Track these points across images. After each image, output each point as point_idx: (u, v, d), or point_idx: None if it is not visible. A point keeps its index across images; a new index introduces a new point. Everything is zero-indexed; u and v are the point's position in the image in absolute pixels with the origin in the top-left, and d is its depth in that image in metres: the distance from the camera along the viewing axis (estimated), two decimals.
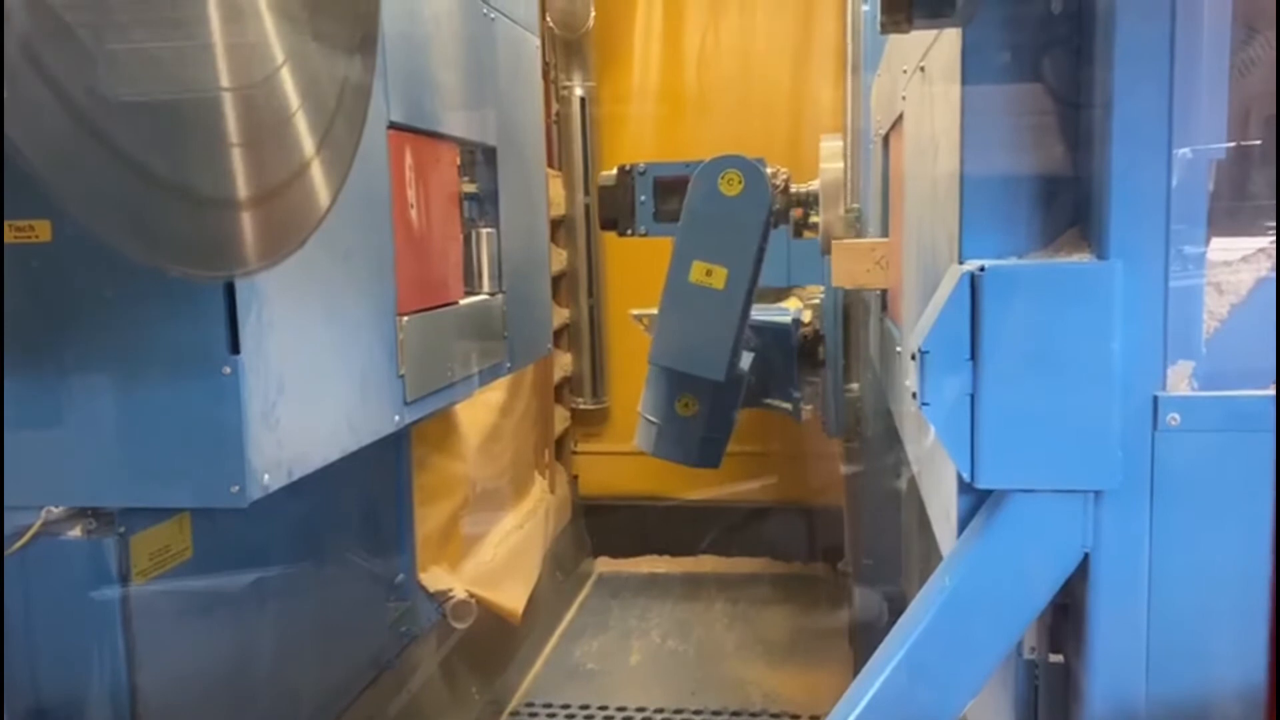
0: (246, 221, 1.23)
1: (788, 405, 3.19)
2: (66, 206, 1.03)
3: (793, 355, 3.14)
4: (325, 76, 1.37)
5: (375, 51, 1.53)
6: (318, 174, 1.34)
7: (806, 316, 3.31)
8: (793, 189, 2.56)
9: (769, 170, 2.43)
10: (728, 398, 2.48)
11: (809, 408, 3.27)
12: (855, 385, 3.33)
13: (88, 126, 1.02)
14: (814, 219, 2.55)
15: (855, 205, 2.58)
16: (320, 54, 1.35)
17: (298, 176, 1.31)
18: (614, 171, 2.64)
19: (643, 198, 2.61)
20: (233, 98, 1.18)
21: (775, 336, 3.10)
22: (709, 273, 2.31)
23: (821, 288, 3.53)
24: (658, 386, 2.49)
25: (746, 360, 2.58)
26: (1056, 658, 1.19)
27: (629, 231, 2.64)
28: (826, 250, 2.46)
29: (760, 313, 3.02)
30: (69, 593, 1.54)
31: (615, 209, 2.63)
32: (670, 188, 2.57)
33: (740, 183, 2.33)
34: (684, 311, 2.34)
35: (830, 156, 2.53)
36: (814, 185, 2.54)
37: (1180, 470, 1.08)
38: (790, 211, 2.57)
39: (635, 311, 3.27)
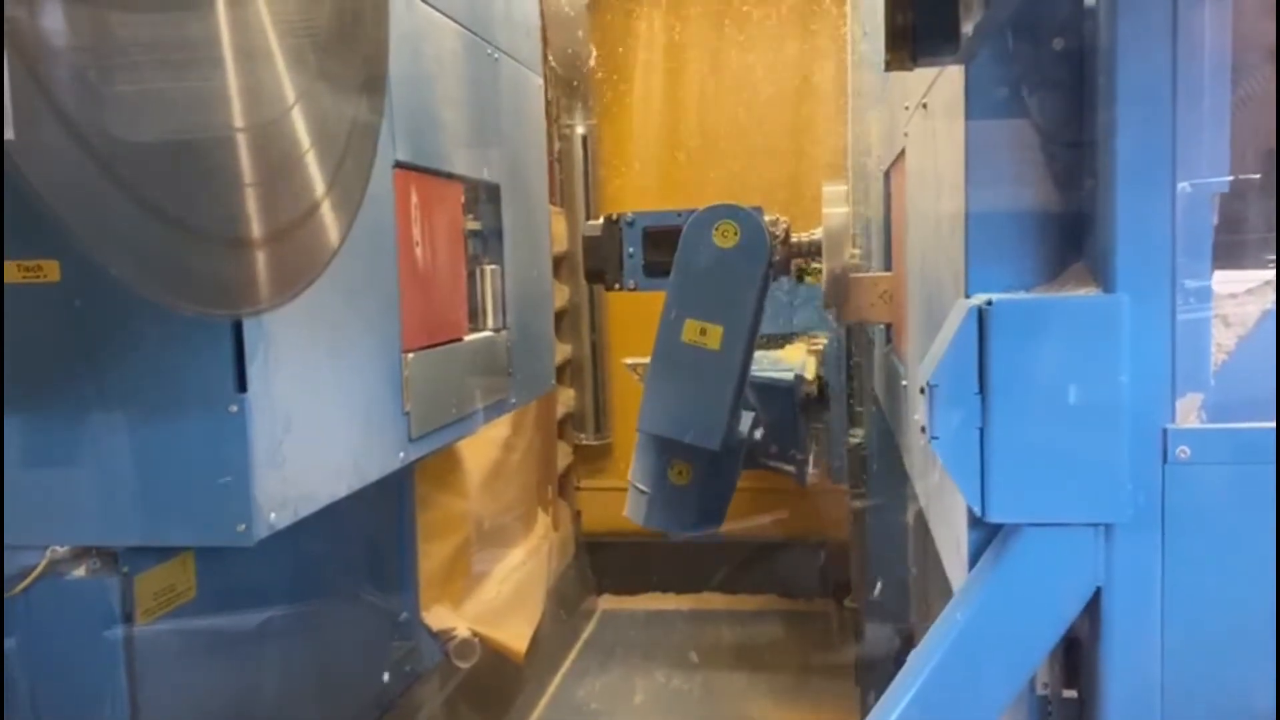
0: (259, 260, 1.24)
1: (791, 468, 3.06)
2: (84, 246, 1.04)
3: (796, 415, 2.99)
4: (334, 117, 1.38)
5: (383, 92, 1.55)
6: (328, 213, 1.35)
7: (810, 371, 3.18)
8: (793, 238, 2.40)
9: (767, 218, 2.27)
10: (725, 464, 2.30)
11: (815, 471, 3.15)
12: (859, 431, 3.27)
13: (105, 168, 1.03)
14: (815, 266, 2.38)
15: (856, 252, 2.49)
16: (329, 94, 1.37)
17: (309, 215, 1.32)
18: (599, 221, 2.49)
19: (631, 250, 2.43)
20: (246, 138, 1.19)
21: (777, 395, 2.96)
22: (703, 332, 2.15)
23: (825, 334, 3.48)
24: (648, 453, 2.29)
25: (746, 420, 2.41)
26: (1070, 693, 1.18)
27: (616, 286, 2.46)
28: (830, 303, 2.34)
29: (760, 368, 2.88)
30: (73, 633, 1.53)
31: (601, 261, 2.45)
32: (661, 239, 2.38)
33: (736, 234, 2.17)
34: (676, 374, 2.17)
35: (833, 202, 2.34)
36: (816, 234, 2.38)
37: (1191, 503, 1.08)
38: (791, 262, 2.41)
39: (629, 360, 3.18)
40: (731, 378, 2.16)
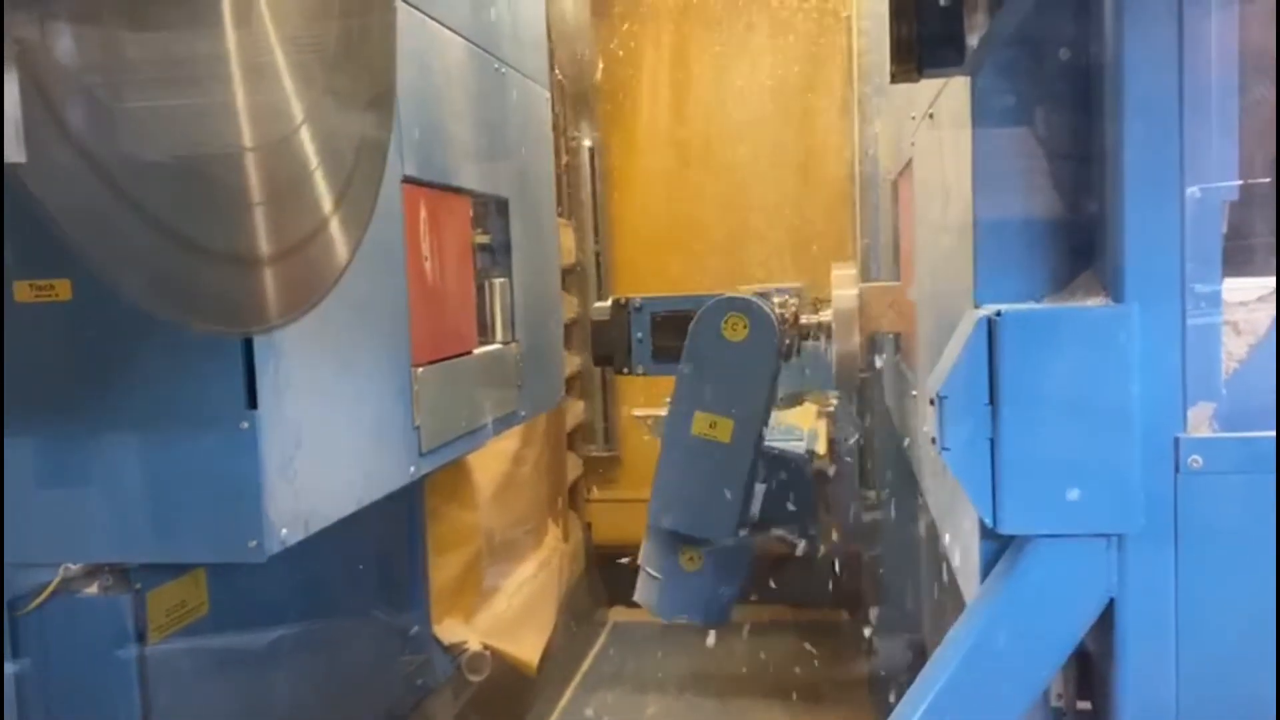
0: (269, 278, 1.24)
1: (801, 541, 3.04)
2: (94, 267, 1.04)
3: (807, 489, 2.87)
4: (342, 134, 1.39)
5: (391, 108, 1.55)
6: (337, 230, 1.36)
7: (821, 443, 3.10)
8: (803, 319, 2.37)
9: (775, 300, 2.27)
10: (737, 546, 2.32)
11: (824, 549, 3.11)
12: (872, 493, 3.23)
13: (114, 188, 1.04)
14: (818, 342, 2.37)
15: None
16: (337, 112, 1.37)
17: (317, 233, 1.33)
18: (608, 304, 2.49)
19: (639, 335, 2.43)
20: (254, 157, 1.20)
21: (788, 467, 2.93)
22: (713, 425, 2.16)
23: (835, 395, 3.42)
24: (659, 540, 2.31)
25: (758, 494, 2.38)
26: (1084, 705, 1.17)
27: (625, 370, 2.47)
28: (839, 385, 2.32)
29: (771, 438, 2.75)
30: (86, 651, 1.53)
31: (609, 346, 2.46)
32: (668, 324, 2.40)
33: (745, 327, 2.18)
34: (686, 468, 2.17)
35: (842, 284, 2.30)
36: (825, 315, 2.34)
37: (1203, 513, 1.07)
38: (801, 343, 2.38)
39: (638, 412, 3.17)
40: (742, 471, 2.16)
